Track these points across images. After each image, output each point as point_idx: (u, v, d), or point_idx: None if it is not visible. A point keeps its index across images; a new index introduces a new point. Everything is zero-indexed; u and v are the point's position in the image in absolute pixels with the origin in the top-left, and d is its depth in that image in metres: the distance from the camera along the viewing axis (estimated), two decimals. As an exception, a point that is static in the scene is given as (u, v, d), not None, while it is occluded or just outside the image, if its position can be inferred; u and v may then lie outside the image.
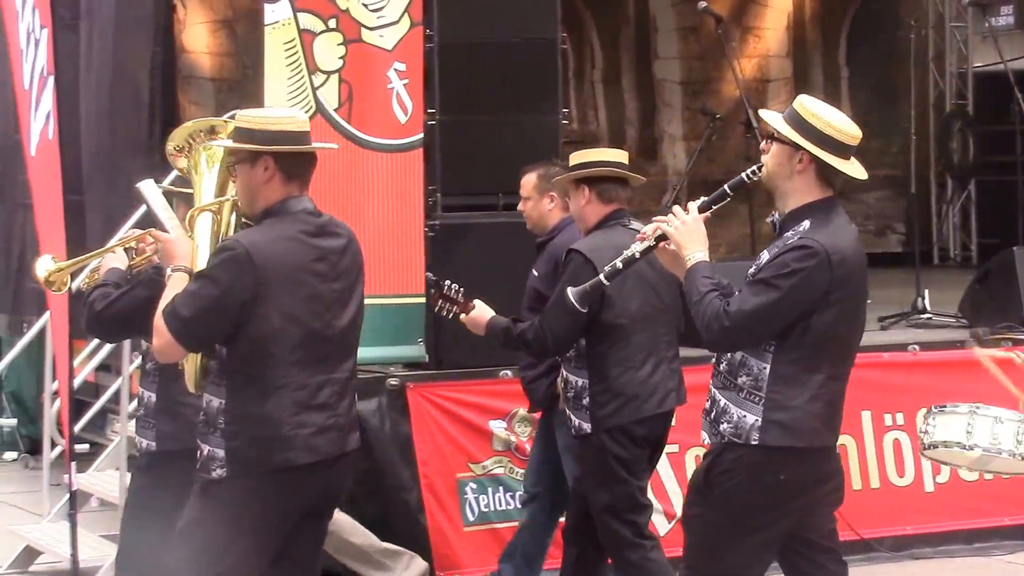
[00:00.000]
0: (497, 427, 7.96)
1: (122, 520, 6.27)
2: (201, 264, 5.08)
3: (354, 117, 7.67)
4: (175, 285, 5.05)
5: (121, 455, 8.01)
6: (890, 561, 8.42)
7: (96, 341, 8.42)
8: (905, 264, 11.84)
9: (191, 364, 5.06)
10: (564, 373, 6.53)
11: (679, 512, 6.43)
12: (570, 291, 5.48)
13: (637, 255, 5.19)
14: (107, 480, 8.26)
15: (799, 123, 5.02)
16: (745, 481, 5.02)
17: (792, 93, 14.45)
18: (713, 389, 5.13)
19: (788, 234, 5.06)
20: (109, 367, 9.03)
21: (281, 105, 7.47)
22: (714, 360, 5.18)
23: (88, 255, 6.07)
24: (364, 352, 7.53)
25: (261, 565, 5.07)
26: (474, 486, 7.87)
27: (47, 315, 8.77)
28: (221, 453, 4.99)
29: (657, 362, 6.46)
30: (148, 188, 5.60)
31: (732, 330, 4.94)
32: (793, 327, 4.97)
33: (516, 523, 7.44)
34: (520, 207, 7.16)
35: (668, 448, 6.87)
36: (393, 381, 7.82)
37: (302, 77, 7.57)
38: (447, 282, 6.43)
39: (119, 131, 9.63)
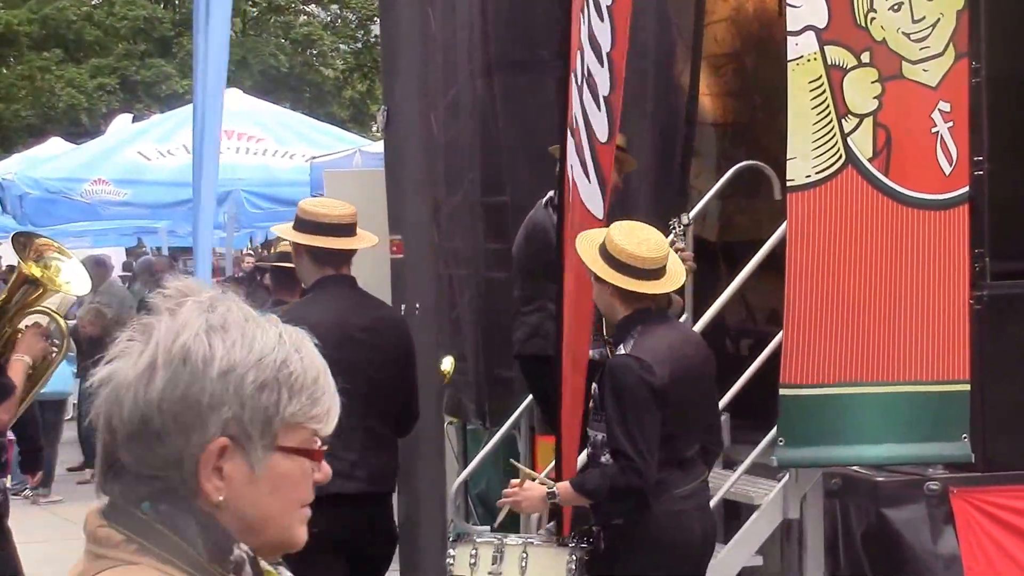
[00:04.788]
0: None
1: None
2: None
3: (892, 168, 6.39)
4: None
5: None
6: None
7: None
8: None
9: None
10: None
11: None
12: None
13: None
14: None
15: (295, 217, 6.32)
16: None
17: None
18: None
19: None
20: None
21: (806, 155, 6.34)
22: None
23: None
24: (899, 449, 6.43)
25: None
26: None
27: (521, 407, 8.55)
28: None
29: None
30: None
31: None
32: None
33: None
34: None
35: None
36: (933, 485, 6.78)
37: (830, 122, 6.34)
38: None
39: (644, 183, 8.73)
